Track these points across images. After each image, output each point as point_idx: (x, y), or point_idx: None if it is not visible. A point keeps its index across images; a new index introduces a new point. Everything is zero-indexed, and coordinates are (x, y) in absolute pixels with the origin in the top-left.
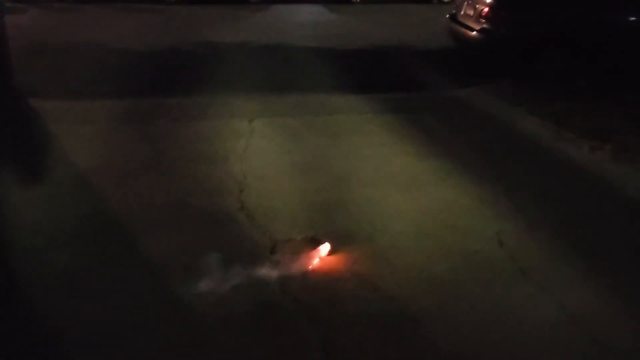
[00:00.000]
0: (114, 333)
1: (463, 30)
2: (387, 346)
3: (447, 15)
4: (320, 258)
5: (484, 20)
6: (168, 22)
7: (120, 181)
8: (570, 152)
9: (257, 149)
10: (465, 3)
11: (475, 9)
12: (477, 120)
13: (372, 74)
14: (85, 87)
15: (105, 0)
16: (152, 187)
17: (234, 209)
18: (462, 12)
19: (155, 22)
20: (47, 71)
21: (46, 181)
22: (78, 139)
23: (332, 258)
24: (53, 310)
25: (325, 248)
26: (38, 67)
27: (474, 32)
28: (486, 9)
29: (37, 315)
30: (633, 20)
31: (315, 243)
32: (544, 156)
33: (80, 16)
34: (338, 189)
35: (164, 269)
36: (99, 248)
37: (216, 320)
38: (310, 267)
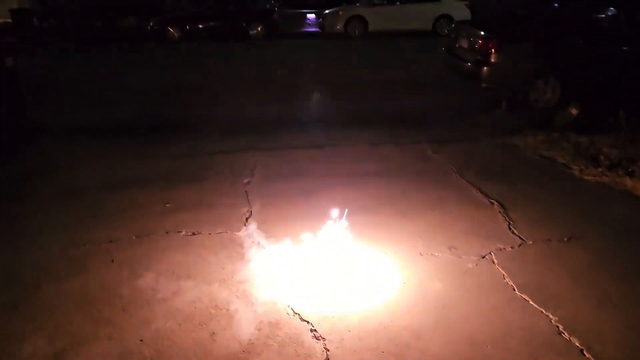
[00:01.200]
0: None
1: (458, 61)
2: (386, 358)
3: (443, 48)
4: (324, 278)
5: (478, 52)
6: (171, 59)
7: (131, 213)
8: (561, 175)
9: (260, 179)
10: (460, 36)
11: (469, 41)
12: (471, 149)
13: (370, 106)
14: (93, 124)
15: (110, 40)
16: (162, 219)
17: (240, 237)
18: (457, 45)
19: (159, 59)
20: (56, 109)
21: (58, 213)
22: (88, 172)
23: (336, 278)
24: None
25: (326, 270)
26: (48, 106)
27: (469, 64)
28: (480, 41)
29: None
30: (623, 51)
31: (317, 265)
32: (536, 180)
33: (87, 56)
34: (339, 214)
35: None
36: (106, 271)
37: (225, 334)
38: (314, 286)
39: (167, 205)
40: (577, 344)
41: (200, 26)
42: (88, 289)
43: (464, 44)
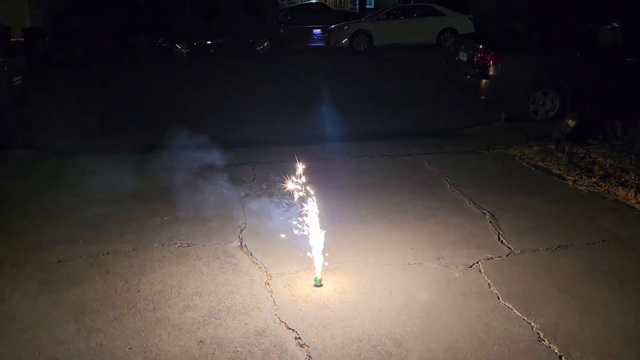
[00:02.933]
0: None
1: (458, 74)
2: None
3: (444, 61)
4: (312, 288)
5: (476, 65)
6: (178, 75)
7: (129, 226)
8: (555, 186)
9: (257, 192)
10: (460, 49)
11: (468, 54)
12: (468, 160)
13: (369, 119)
14: (101, 142)
15: (119, 58)
16: (159, 231)
17: (234, 248)
18: (457, 58)
19: (166, 76)
20: (65, 127)
21: (57, 227)
22: (88, 188)
23: (323, 288)
24: None
25: (317, 279)
26: (53, 123)
27: (468, 77)
28: (478, 55)
29: None
30: (620, 63)
31: (307, 275)
32: (530, 190)
33: (95, 74)
34: (333, 226)
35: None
36: (101, 282)
37: (212, 342)
38: (301, 296)
39: (165, 217)
40: (557, 351)
41: (208, 42)
42: (83, 300)
43: (464, 57)
